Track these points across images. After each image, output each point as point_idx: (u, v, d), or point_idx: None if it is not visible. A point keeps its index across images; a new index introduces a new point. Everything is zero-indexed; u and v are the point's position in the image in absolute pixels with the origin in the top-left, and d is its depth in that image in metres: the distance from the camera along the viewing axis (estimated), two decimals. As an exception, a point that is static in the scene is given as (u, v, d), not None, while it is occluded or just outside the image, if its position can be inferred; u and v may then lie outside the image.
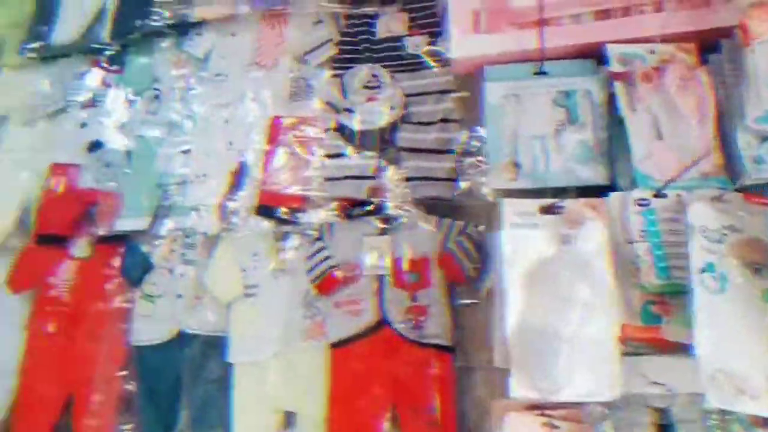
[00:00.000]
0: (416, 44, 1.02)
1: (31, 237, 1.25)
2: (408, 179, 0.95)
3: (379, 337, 0.91)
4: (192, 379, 1.06)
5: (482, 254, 0.92)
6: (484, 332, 0.89)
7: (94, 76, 1.29)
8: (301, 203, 1.00)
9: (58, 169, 1.25)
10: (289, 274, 1.03)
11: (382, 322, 0.92)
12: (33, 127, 1.31)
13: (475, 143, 0.96)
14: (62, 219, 1.22)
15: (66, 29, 1.30)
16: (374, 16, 1.07)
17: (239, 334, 1.02)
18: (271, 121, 1.06)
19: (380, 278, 0.94)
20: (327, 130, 1.01)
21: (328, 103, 1.03)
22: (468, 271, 0.90)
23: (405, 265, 0.92)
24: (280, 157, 1.03)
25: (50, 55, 1.34)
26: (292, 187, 1.01)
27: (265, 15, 1.16)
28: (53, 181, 1.25)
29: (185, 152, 1.14)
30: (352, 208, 0.98)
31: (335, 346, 0.94)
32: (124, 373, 1.12)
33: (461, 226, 0.93)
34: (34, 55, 1.33)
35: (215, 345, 1.05)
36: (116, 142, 1.22)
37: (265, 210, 1.02)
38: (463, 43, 0.87)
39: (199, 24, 1.21)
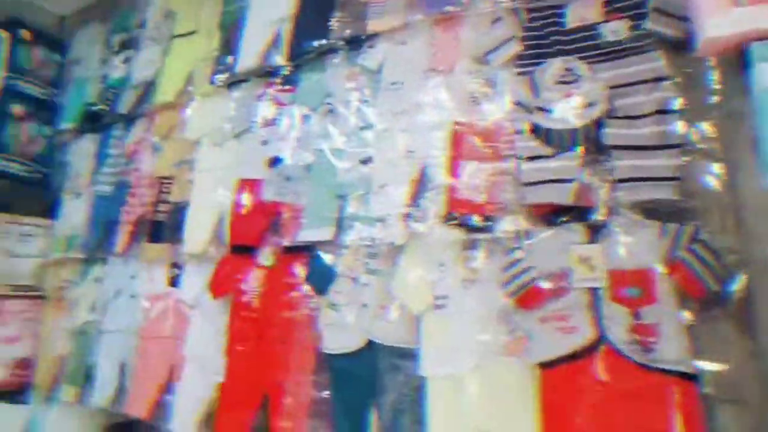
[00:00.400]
0: (615, 30, 0.83)
1: (225, 247, 1.23)
2: (621, 180, 0.75)
3: (599, 358, 0.73)
4: (382, 389, 0.96)
5: (721, 263, 0.70)
6: (732, 357, 0.67)
7: (270, 97, 1.24)
8: (494, 210, 0.85)
9: (246, 184, 1.22)
10: (479, 285, 0.88)
11: (601, 342, 0.73)
12: (223, 147, 1.30)
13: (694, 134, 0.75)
14: (250, 230, 1.19)
15: (247, 57, 1.29)
16: (561, 6, 0.89)
17: (431, 346, 0.90)
18: (454, 126, 0.92)
19: (593, 292, 0.76)
20: (519, 132, 0.85)
21: (518, 104, 0.87)
22: (708, 284, 0.69)
23: (624, 278, 0.73)
24: (468, 162, 0.88)
25: (234, 82, 1.31)
26: (483, 194, 0.85)
27: (437, 20, 1.02)
28: (241, 196, 1.22)
29: (364, 163, 1.03)
30: (555, 215, 0.81)
31: (544, 366, 0.77)
32: (315, 378, 1.04)
33: (692, 232, 0.72)
34: (221, 83, 1.32)
35: (405, 356, 0.95)
36: (294, 156, 1.15)
37: (454, 218, 0.88)
38: (719, 21, 0.66)
39: (370, 36, 1.10)
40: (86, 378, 1.51)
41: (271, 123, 1.23)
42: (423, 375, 0.90)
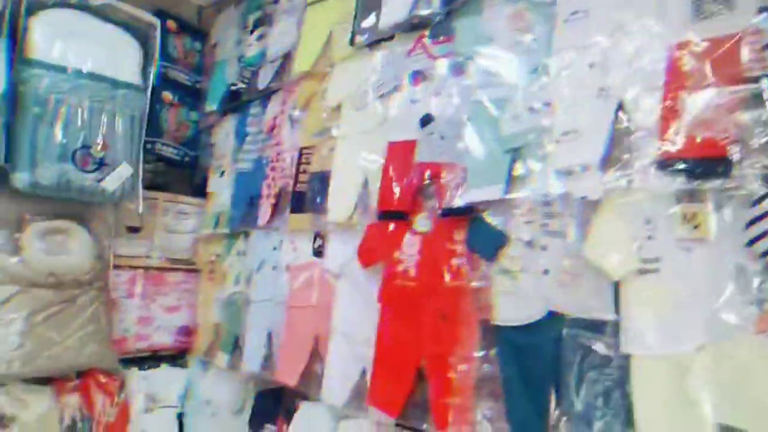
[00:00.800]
0: None
1: (372, 214, 1.14)
2: None
3: None
4: (568, 367, 0.81)
5: None
6: None
7: (420, 51, 1.11)
8: (731, 150, 0.64)
9: (395, 146, 1.12)
10: (706, 245, 0.69)
11: None
12: (366, 110, 1.20)
13: None
14: (402, 195, 1.09)
15: (391, 12, 1.19)
16: None
17: (640, 318, 0.74)
18: (671, 50, 0.72)
19: None
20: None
21: (768, 9, 0.65)
22: None
23: None
24: (691, 93, 0.69)
25: (376, 41, 1.21)
26: (714, 131, 0.65)
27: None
28: (390, 159, 1.12)
29: (538, 110, 0.87)
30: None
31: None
32: (481, 352, 0.92)
33: None
34: (362, 44, 1.22)
35: (598, 329, 0.78)
36: (450, 112, 1.02)
37: (671, 164, 0.69)
38: None
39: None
40: (236, 345, 1.53)
41: (421, 79, 1.11)
42: (627, 353, 0.73)
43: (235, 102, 1.75)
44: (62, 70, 1.34)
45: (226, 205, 1.69)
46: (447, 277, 0.99)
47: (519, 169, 0.88)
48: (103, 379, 1.51)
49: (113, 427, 1.52)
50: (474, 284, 0.95)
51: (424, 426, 0.99)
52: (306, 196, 1.35)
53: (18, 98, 1.27)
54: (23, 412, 1.32)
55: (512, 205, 0.90)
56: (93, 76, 1.39)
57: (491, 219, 0.93)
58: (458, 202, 0.95)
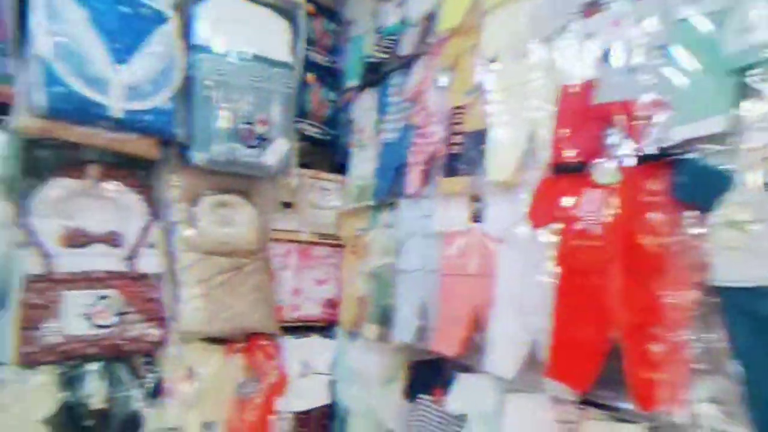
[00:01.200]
0: None
1: (544, 169, 1.03)
2: None
3: None
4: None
5: None
6: None
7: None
8: None
9: (568, 90, 0.99)
10: None
11: None
12: (527, 57, 1.09)
13: None
14: (580, 144, 0.95)
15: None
16: None
17: None
18: None
19: None
20: None
21: None
22: None
23: None
24: None
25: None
26: None
27: None
28: (564, 105, 0.99)
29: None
30: None
31: None
32: (698, 320, 0.77)
33: None
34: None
35: None
36: (637, 40, 0.87)
37: None
38: None
39: None
40: (386, 317, 1.52)
41: (595, 9, 0.96)
42: None
43: (375, 74, 1.73)
44: (224, 53, 1.42)
45: (367, 178, 1.69)
46: (642, 234, 0.85)
47: (750, 93, 0.71)
48: (265, 342, 1.61)
49: (275, 388, 1.61)
50: (681, 240, 0.79)
51: (620, 404, 0.87)
52: (460, 157, 1.28)
53: (187, 82, 1.37)
54: (205, 368, 1.45)
55: (738, 140, 0.73)
56: (252, 58, 1.46)
57: (709, 158, 0.77)
58: (661, 142, 0.80)
